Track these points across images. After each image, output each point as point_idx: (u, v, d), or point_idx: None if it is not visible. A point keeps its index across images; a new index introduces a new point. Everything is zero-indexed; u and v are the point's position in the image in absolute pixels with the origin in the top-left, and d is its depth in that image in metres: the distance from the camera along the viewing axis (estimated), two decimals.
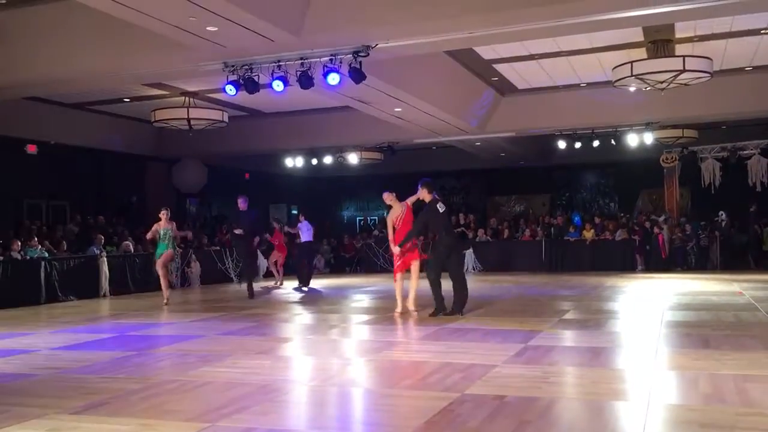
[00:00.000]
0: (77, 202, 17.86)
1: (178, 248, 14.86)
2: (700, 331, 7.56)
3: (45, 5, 10.29)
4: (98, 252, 14.18)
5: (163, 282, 12.13)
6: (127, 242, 15.55)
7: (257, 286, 14.49)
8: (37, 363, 6.52)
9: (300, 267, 15.78)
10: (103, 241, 14.72)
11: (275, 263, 16.40)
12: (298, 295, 13.61)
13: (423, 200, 9.41)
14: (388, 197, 9.67)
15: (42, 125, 15.96)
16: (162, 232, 12.06)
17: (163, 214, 12.12)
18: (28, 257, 12.86)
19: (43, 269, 12.71)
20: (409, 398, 4.89)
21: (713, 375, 5.35)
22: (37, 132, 16.05)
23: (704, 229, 18.56)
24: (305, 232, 15.52)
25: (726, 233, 18.50)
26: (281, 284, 15.82)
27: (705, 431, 3.99)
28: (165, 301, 11.89)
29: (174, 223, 12.37)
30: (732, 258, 18.13)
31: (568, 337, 7.61)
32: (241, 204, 12.82)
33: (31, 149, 16.25)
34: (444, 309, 9.16)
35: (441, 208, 9.33)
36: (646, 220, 19.14)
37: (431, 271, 9.27)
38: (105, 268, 13.94)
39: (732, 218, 18.86)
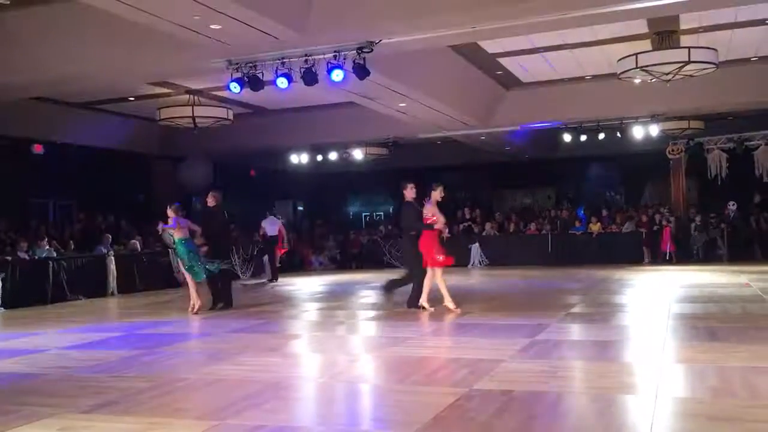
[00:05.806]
0: (84, 202, 17.92)
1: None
2: (707, 324, 7.54)
3: (48, 6, 10.31)
4: (106, 251, 14.25)
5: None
6: (134, 241, 15.61)
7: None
8: (47, 362, 6.55)
9: (269, 262, 16.43)
10: (110, 240, 14.79)
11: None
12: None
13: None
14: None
15: (48, 125, 16.03)
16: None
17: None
18: (36, 257, 12.92)
19: (51, 269, 12.77)
20: (417, 394, 4.91)
21: (721, 368, 5.35)
22: (43, 132, 16.16)
23: (712, 221, 18.47)
24: (269, 228, 15.82)
25: (735, 224, 18.42)
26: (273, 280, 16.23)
27: (713, 424, 3.99)
28: (193, 308, 10.06)
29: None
30: (743, 249, 18.01)
31: (576, 331, 7.62)
32: (210, 201, 10.59)
33: (38, 149, 16.34)
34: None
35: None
36: (655, 213, 19.08)
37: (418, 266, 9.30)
38: (113, 267, 14.01)
39: (741, 209, 18.79)
